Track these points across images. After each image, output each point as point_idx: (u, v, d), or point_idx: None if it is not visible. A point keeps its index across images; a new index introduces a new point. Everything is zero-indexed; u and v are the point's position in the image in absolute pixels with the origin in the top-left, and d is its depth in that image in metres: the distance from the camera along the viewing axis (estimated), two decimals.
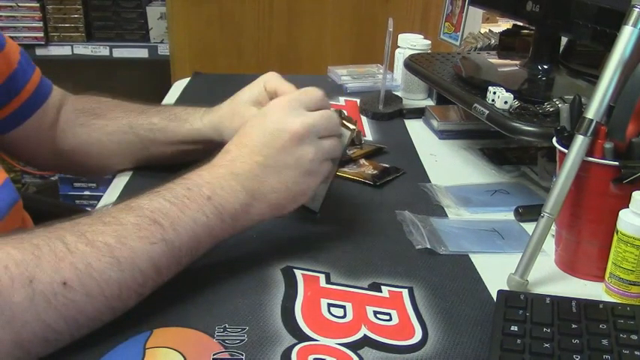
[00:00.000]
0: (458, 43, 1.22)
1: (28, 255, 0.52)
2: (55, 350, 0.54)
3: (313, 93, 0.71)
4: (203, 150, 0.83)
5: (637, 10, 0.64)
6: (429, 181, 0.92)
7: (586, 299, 0.61)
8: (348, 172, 0.92)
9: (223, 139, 0.77)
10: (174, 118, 0.86)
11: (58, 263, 0.52)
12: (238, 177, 0.65)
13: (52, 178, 2.49)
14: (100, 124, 0.88)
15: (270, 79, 0.80)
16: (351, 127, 0.74)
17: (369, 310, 0.62)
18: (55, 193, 2.45)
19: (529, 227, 0.74)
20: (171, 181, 0.64)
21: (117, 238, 0.56)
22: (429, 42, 1.30)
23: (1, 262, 0.51)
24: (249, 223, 0.66)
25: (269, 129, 0.67)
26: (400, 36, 1.31)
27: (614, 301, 0.63)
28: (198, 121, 0.85)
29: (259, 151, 0.66)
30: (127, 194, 0.83)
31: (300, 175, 0.67)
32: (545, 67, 0.98)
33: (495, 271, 0.68)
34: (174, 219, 0.59)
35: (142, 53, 2.36)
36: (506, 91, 0.86)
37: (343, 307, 0.63)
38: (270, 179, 0.66)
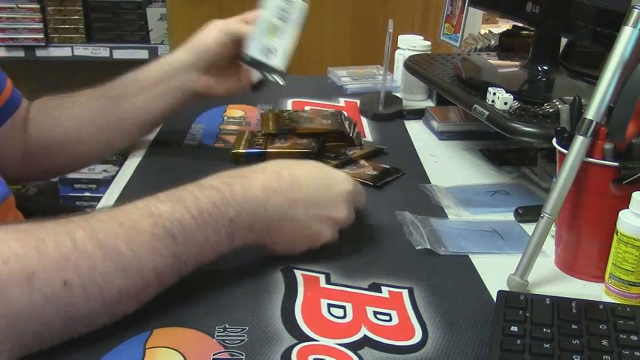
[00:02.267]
0: (458, 44, 1.22)
1: (31, 250, 0.51)
2: (51, 346, 0.53)
3: (362, 194, 0.73)
4: (178, 89, 0.90)
5: (637, 10, 0.64)
6: (429, 182, 0.92)
7: (586, 300, 0.61)
8: (348, 172, 0.92)
9: (206, 60, 0.89)
10: (142, 67, 0.91)
11: (62, 262, 0.51)
12: (267, 212, 0.63)
13: (53, 180, 2.49)
14: (73, 100, 0.90)
15: (219, 24, 0.91)
16: None
17: (369, 310, 0.62)
18: (55, 195, 2.45)
19: (529, 228, 0.74)
20: (198, 185, 0.62)
21: (128, 244, 0.54)
22: (429, 43, 1.30)
23: (2, 255, 0.49)
24: (250, 245, 0.65)
25: (329, 193, 0.68)
26: (400, 37, 1.32)
27: (614, 301, 0.63)
28: (169, 57, 0.91)
29: (307, 205, 0.66)
30: (126, 196, 0.83)
31: (313, 233, 0.68)
32: (545, 68, 0.99)
33: (495, 272, 0.68)
34: (190, 234, 0.58)
35: (142, 54, 2.36)
36: (506, 92, 0.86)
37: (343, 307, 0.63)
38: (288, 229, 0.66)
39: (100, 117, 0.89)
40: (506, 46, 1.28)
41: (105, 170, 2.42)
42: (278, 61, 0.87)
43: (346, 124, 1.04)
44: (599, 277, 0.66)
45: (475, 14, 1.53)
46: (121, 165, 0.96)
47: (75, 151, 0.89)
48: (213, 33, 0.91)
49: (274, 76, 0.88)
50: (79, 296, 0.52)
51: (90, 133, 0.89)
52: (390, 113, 1.18)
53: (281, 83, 0.89)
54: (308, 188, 0.66)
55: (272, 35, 0.86)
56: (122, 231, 0.55)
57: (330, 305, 0.63)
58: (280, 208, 0.64)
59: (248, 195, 0.62)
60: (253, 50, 0.88)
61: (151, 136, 1.04)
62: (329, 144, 1.00)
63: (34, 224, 0.54)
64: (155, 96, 0.91)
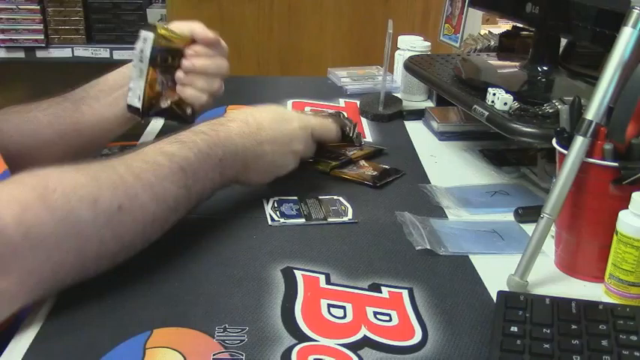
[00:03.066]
0: (458, 45, 1.23)
1: (91, 180, 0.60)
2: (97, 273, 0.61)
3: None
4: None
5: (636, 11, 0.64)
6: (429, 182, 0.92)
7: (586, 300, 0.61)
8: (348, 173, 0.92)
9: None
10: (104, 75, 0.93)
11: (115, 190, 0.61)
12: (245, 153, 0.76)
13: None
14: (34, 105, 0.89)
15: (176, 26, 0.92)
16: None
17: (369, 310, 0.62)
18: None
19: (529, 228, 0.74)
20: (192, 131, 0.73)
21: (156, 177, 0.65)
22: (429, 43, 1.30)
23: (70, 184, 0.59)
24: (235, 183, 0.78)
25: (287, 127, 0.81)
26: (400, 37, 1.32)
27: (614, 302, 0.63)
28: (122, 68, 0.92)
29: (269, 134, 0.79)
30: None
31: (277, 168, 0.81)
32: (545, 68, 0.99)
33: (495, 272, 0.68)
34: (195, 170, 0.69)
35: None
36: (506, 93, 0.86)
37: (343, 307, 0.63)
38: (264, 162, 0.79)
39: (58, 121, 0.89)
40: (506, 46, 1.28)
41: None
42: (139, 103, 0.88)
43: (346, 124, 1.04)
44: (599, 278, 0.66)
45: (475, 15, 1.53)
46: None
47: (35, 157, 0.87)
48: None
49: (144, 119, 0.92)
50: (128, 219, 0.62)
51: (49, 138, 0.88)
52: (390, 114, 1.18)
53: (142, 122, 0.92)
54: (270, 130, 0.79)
55: (139, 78, 0.88)
56: (148, 166, 0.65)
57: (330, 305, 0.63)
58: (252, 149, 0.77)
59: (229, 139, 0.75)
60: (129, 99, 0.89)
61: (151, 136, 1.04)
62: (329, 144, 0.99)
63: (84, 164, 0.63)
64: (113, 99, 0.91)
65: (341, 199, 0.85)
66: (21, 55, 2.39)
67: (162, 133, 1.03)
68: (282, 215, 0.80)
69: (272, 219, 0.79)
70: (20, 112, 0.88)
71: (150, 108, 0.90)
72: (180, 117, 0.93)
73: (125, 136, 0.97)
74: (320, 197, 0.85)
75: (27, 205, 0.56)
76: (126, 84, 0.91)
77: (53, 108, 0.89)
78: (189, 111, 0.93)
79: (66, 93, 0.92)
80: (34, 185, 0.58)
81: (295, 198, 0.84)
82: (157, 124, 1.08)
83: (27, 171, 0.59)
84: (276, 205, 0.82)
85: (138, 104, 0.88)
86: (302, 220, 0.79)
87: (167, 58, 0.89)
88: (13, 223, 0.54)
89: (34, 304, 0.60)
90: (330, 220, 0.79)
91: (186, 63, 0.90)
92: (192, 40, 0.90)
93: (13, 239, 0.54)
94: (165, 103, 0.91)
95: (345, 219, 0.80)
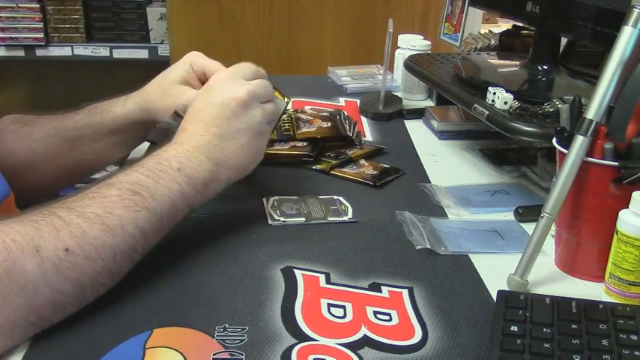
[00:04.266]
0: (458, 44, 1.22)
1: (30, 228, 0.57)
2: (65, 316, 0.58)
3: (248, 66, 0.78)
4: (134, 138, 0.88)
5: (637, 10, 0.64)
6: (429, 182, 0.92)
7: (586, 299, 0.61)
8: (348, 172, 0.92)
9: (154, 119, 0.84)
10: (95, 112, 0.87)
11: (58, 233, 0.57)
12: (200, 149, 0.70)
13: None
14: (28, 130, 0.87)
15: (196, 59, 0.85)
16: (285, 99, 0.83)
17: (369, 310, 0.62)
18: (56, 195, 2.45)
19: (529, 227, 0.74)
20: (140, 159, 0.69)
21: (104, 209, 0.61)
22: (429, 42, 1.30)
23: (9, 235, 0.55)
24: (220, 187, 0.72)
25: (217, 101, 0.73)
26: (400, 36, 1.32)
27: (614, 301, 0.63)
28: (121, 108, 0.87)
29: (213, 122, 0.72)
30: None
31: (253, 136, 0.74)
32: (545, 67, 0.98)
33: (495, 272, 0.68)
34: (152, 189, 0.65)
35: (142, 54, 2.36)
36: (506, 92, 0.86)
37: (343, 307, 0.63)
38: (229, 145, 0.72)
39: (57, 157, 0.87)
40: (506, 45, 1.28)
41: (105, 170, 2.42)
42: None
43: (346, 123, 1.04)
44: (599, 277, 0.66)
45: (475, 14, 1.53)
46: (121, 165, 0.96)
47: (35, 175, 0.87)
48: (183, 90, 0.84)
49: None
50: (81, 259, 0.58)
51: (47, 169, 0.87)
52: (390, 113, 1.18)
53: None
54: (211, 118, 0.73)
55: None
56: (93, 202, 0.61)
57: (330, 305, 0.63)
58: (206, 144, 0.71)
59: (177, 149, 0.70)
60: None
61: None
62: (329, 144, 1.00)
63: (22, 214, 0.59)
64: (112, 144, 0.89)
65: (341, 198, 0.85)
66: (21, 53, 2.39)
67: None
68: (282, 214, 0.80)
69: (272, 218, 0.79)
70: (14, 133, 0.86)
71: None
72: None
73: None
74: (320, 197, 0.85)
75: None
76: (117, 132, 0.87)
77: (47, 140, 0.86)
78: None
79: (53, 119, 0.88)
80: None
81: (295, 197, 0.84)
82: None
83: None
84: (276, 204, 0.82)
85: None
86: (302, 220, 0.79)
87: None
88: None
89: None
90: (330, 219, 0.79)
91: None
92: None
93: None
94: None
95: (345, 218, 0.80)
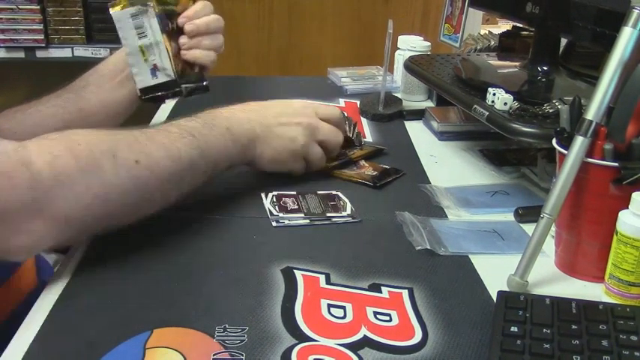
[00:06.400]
0: (458, 45, 1.23)
1: (109, 136, 0.68)
2: (121, 223, 0.67)
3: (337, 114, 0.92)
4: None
5: (636, 11, 0.64)
6: (429, 182, 0.92)
7: (586, 300, 0.61)
8: (348, 173, 0.92)
9: None
10: (98, 65, 0.94)
11: (131, 147, 0.68)
12: (252, 122, 0.82)
13: None
14: (34, 102, 0.90)
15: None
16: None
17: (369, 310, 0.62)
18: None
19: (529, 228, 0.74)
20: (196, 115, 0.78)
21: (168, 139, 0.71)
22: (429, 43, 1.30)
23: (92, 140, 0.66)
24: (253, 160, 0.83)
25: (293, 103, 0.88)
26: (400, 37, 1.32)
27: (614, 302, 0.63)
28: (122, 49, 0.92)
29: (275, 112, 0.85)
30: None
31: (289, 152, 0.85)
32: (545, 68, 0.99)
33: (495, 272, 0.68)
34: (205, 136, 0.75)
35: None
36: (506, 93, 0.86)
37: (343, 307, 0.63)
38: (274, 139, 0.83)
39: (62, 111, 0.89)
40: (506, 46, 1.28)
41: None
42: (166, 73, 0.86)
43: (346, 124, 1.04)
44: (599, 278, 0.66)
45: (475, 15, 1.53)
46: None
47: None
48: None
49: (181, 87, 0.89)
50: (146, 172, 0.67)
51: (54, 129, 0.88)
52: (390, 114, 1.18)
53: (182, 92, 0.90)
54: (272, 106, 0.86)
55: (145, 57, 0.86)
56: (159, 133, 0.72)
57: (330, 305, 0.63)
58: (258, 121, 0.83)
59: (233, 114, 0.81)
60: (141, 82, 0.87)
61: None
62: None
63: (104, 128, 0.70)
64: (116, 83, 0.92)
65: (339, 194, 0.85)
66: (21, 55, 2.38)
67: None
68: (282, 209, 0.80)
69: (271, 213, 0.79)
70: (21, 109, 0.89)
71: (182, 77, 0.88)
72: (198, 81, 0.92)
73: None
74: (319, 192, 0.85)
75: (57, 154, 0.62)
76: (124, 69, 0.91)
77: (54, 100, 0.90)
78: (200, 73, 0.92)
79: (65, 87, 0.92)
80: (62, 140, 0.65)
81: (294, 192, 0.84)
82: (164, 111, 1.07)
83: (55, 131, 0.66)
84: (274, 200, 0.82)
85: (164, 76, 0.86)
86: (301, 215, 0.79)
87: (168, 24, 0.87)
88: (46, 169, 0.61)
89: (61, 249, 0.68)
90: (328, 214, 0.80)
91: (189, 26, 0.91)
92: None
93: (45, 183, 0.61)
94: (195, 68, 0.89)
95: (343, 214, 0.80)
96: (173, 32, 0.89)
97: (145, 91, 0.87)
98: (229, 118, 0.80)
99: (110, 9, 0.86)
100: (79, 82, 0.93)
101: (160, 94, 0.89)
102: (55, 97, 0.91)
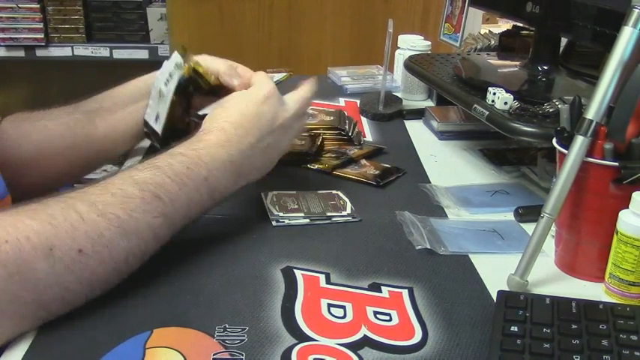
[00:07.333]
0: (458, 44, 1.23)
1: (46, 225, 0.56)
2: (71, 309, 0.59)
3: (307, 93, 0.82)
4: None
5: (637, 10, 0.64)
6: (429, 182, 0.92)
7: (586, 300, 0.61)
8: (350, 172, 0.92)
9: None
10: (117, 87, 0.90)
11: (74, 232, 0.57)
12: (233, 162, 0.71)
13: None
14: (43, 113, 0.87)
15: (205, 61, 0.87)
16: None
17: (369, 310, 0.62)
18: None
19: (529, 228, 0.74)
20: (169, 154, 0.69)
21: (124, 210, 0.61)
22: (429, 43, 1.30)
23: (22, 232, 0.55)
24: (230, 194, 0.73)
25: (266, 114, 0.76)
26: (400, 37, 1.32)
27: (614, 301, 0.63)
28: (146, 76, 0.89)
29: (253, 133, 0.74)
30: None
31: (278, 153, 0.78)
32: (545, 67, 0.98)
33: (495, 272, 0.68)
34: (173, 195, 0.65)
35: (143, 54, 2.36)
36: (506, 92, 0.86)
37: (343, 307, 0.63)
38: (257, 159, 0.75)
39: (69, 132, 0.86)
40: (506, 46, 1.28)
41: (105, 170, 2.42)
42: (158, 126, 0.86)
43: (346, 123, 1.04)
44: (599, 277, 0.66)
45: (475, 14, 1.53)
46: (121, 165, 0.96)
47: (41, 165, 0.86)
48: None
49: (155, 140, 0.88)
50: (93, 261, 0.58)
51: (58, 149, 0.86)
52: (390, 113, 1.18)
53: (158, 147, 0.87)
54: (251, 127, 0.74)
55: (159, 100, 0.86)
56: (115, 199, 0.61)
57: (330, 305, 0.63)
58: (240, 155, 0.72)
59: (211, 154, 0.70)
60: (147, 116, 0.87)
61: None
62: (328, 143, 1.00)
63: (39, 203, 0.59)
64: (128, 113, 0.89)
65: (339, 193, 0.85)
66: (21, 54, 2.39)
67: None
68: (282, 209, 0.80)
69: (271, 213, 0.79)
70: (30, 119, 0.86)
71: (167, 132, 0.87)
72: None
73: None
74: (319, 192, 0.85)
75: None
76: (141, 99, 0.88)
77: (64, 118, 0.87)
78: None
79: (77, 102, 0.89)
80: None
81: (294, 192, 0.84)
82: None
83: None
84: (274, 199, 0.82)
85: (157, 127, 0.86)
86: (301, 215, 0.79)
87: (188, 86, 0.87)
88: None
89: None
90: (328, 214, 0.80)
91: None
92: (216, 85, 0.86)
93: None
94: (182, 124, 0.89)
95: (343, 213, 0.80)
96: (184, 98, 0.88)
97: (145, 124, 0.88)
98: (208, 163, 0.69)
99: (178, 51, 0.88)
100: (92, 103, 0.89)
101: (149, 135, 0.89)
102: (66, 114, 0.87)
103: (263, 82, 0.79)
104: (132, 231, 0.61)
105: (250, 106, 0.76)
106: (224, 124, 0.73)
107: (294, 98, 0.80)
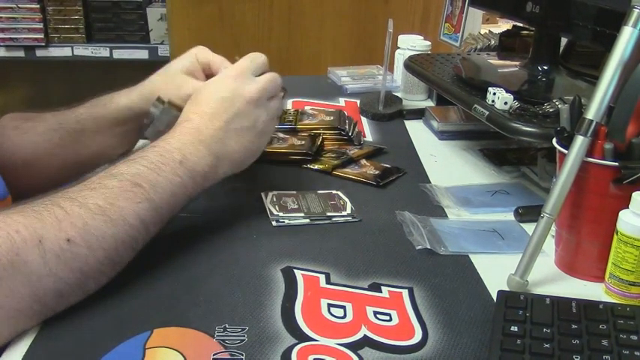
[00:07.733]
0: (458, 44, 1.23)
1: (33, 219, 0.58)
2: (68, 305, 0.59)
3: (259, 59, 0.79)
4: (138, 129, 0.87)
5: (637, 10, 0.64)
6: (429, 182, 0.92)
7: (586, 300, 0.61)
8: (350, 172, 0.92)
9: None
10: (98, 104, 0.87)
11: (60, 224, 0.58)
12: (204, 142, 0.72)
13: None
14: (31, 125, 0.87)
15: (202, 52, 0.86)
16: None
17: (369, 310, 0.62)
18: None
19: (529, 228, 0.74)
20: (142, 149, 0.70)
21: (105, 199, 0.62)
22: (429, 43, 1.30)
23: (12, 226, 0.56)
24: (217, 180, 0.73)
25: (227, 96, 0.75)
26: (400, 37, 1.32)
27: (614, 301, 0.63)
28: (125, 99, 0.86)
29: (219, 116, 0.73)
30: None
31: (256, 135, 0.76)
32: (545, 67, 0.98)
33: (495, 272, 0.68)
34: (153, 181, 0.66)
35: (142, 54, 2.37)
36: (506, 92, 0.86)
37: (343, 307, 0.63)
38: (232, 141, 0.74)
39: (60, 150, 0.86)
40: (506, 46, 1.28)
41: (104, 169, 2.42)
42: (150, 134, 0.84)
43: (346, 123, 1.04)
44: (599, 277, 0.66)
45: (475, 14, 1.53)
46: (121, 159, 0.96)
47: (41, 167, 0.86)
48: (188, 80, 0.85)
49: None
50: (83, 249, 0.59)
51: (50, 163, 0.86)
52: (390, 113, 1.18)
53: None
54: (218, 110, 0.74)
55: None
56: (95, 192, 0.63)
57: (330, 305, 0.63)
58: (210, 137, 0.72)
59: (181, 140, 0.71)
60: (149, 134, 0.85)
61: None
62: (328, 143, 1.00)
63: (25, 205, 0.60)
64: (115, 135, 0.88)
65: (340, 193, 0.85)
66: (21, 54, 2.39)
67: None
68: (282, 209, 0.80)
69: (271, 213, 0.79)
70: (18, 128, 0.86)
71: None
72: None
73: None
74: (319, 192, 0.85)
75: None
76: (120, 123, 0.86)
77: (50, 134, 0.86)
78: None
79: (56, 114, 0.88)
80: None
81: (294, 192, 0.84)
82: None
83: None
84: (274, 199, 0.82)
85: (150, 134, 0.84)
86: (301, 215, 0.79)
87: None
88: None
89: None
90: (328, 214, 0.80)
91: None
92: None
93: None
94: None
95: (343, 213, 0.80)
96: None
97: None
98: (179, 148, 0.70)
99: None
100: (74, 122, 0.87)
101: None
102: (51, 130, 0.85)
103: (232, 66, 0.79)
104: (117, 218, 0.62)
105: (214, 91, 0.76)
106: (191, 116, 0.74)
107: (260, 77, 0.78)
